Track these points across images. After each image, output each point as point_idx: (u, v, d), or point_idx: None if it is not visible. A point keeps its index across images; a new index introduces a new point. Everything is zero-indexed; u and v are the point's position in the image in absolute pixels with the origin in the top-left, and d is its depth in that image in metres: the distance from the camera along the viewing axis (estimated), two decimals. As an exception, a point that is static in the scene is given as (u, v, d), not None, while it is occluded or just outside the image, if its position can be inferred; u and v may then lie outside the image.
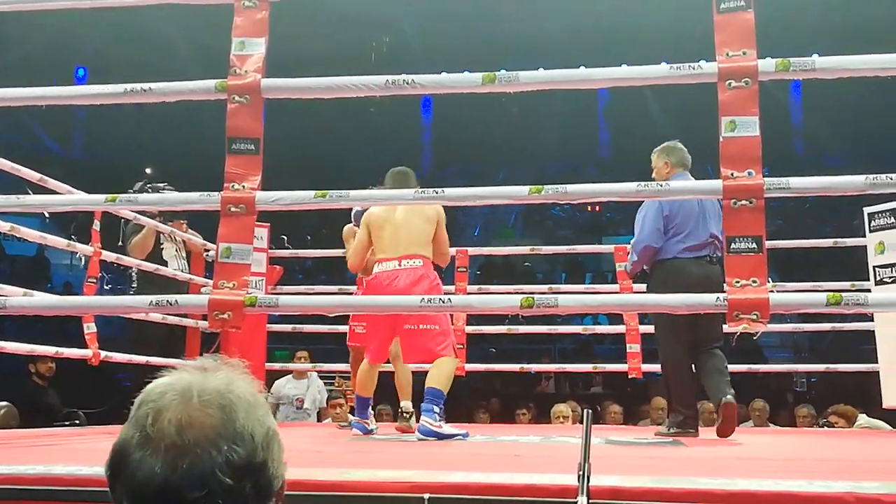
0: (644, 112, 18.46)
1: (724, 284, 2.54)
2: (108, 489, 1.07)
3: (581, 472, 2.07)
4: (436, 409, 4.15)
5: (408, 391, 4.74)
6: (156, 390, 1.09)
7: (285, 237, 7.07)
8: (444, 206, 4.32)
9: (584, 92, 19.42)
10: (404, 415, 4.74)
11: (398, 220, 4.39)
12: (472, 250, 6.75)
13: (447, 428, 4.21)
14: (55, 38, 14.77)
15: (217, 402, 1.07)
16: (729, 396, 4.40)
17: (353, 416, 4.87)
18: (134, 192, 5.57)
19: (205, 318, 5.64)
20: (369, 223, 4.50)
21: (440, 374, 4.25)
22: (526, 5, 15.45)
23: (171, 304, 2.69)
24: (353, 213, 5.19)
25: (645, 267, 4.68)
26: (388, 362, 4.79)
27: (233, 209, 2.69)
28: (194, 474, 1.01)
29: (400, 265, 4.29)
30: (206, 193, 2.76)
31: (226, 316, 2.59)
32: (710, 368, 4.56)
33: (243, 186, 2.71)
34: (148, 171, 16.63)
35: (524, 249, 7.78)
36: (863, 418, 6.40)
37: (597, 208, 19.92)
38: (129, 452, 1.04)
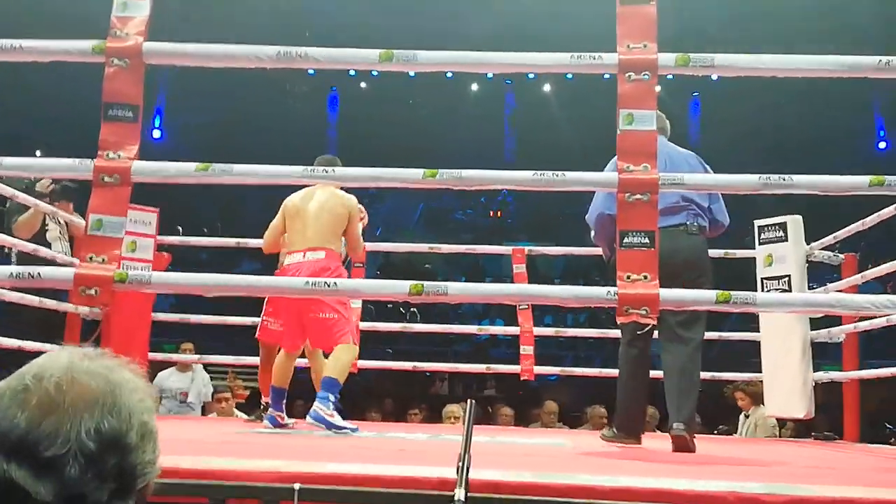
0: (549, 121, 18.69)
1: (617, 279, 2.50)
2: None
3: (461, 464, 1.99)
4: (331, 397, 4.13)
5: None
6: (41, 358, 1.06)
7: (181, 228, 6.83)
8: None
9: (491, 99, 19.59)
10: None
11: (308, 214, 4.51)
12: (371, 245, 6.61)
13: (338, 419, 4.14)
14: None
15: (104, 376, 1.05)
16: (677, 427, 3.55)
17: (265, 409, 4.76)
18: (29, 179, 5.32)
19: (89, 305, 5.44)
20: (285, 211, 4.63)
21: (336, 363, 4.24)
22: (450, 6, 15.46)
23: (32, 277, 2.49)
24: None
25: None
26: (303, 356, 4.79)
27: (106, 179, 2.52)
28: (58, 431, 0.97)
29: (304, 257, 4.39)
30: (77, 160, 2.57)
31: (93, 292, 2.41)
32: (670, 371, 3.69)
33: (119, 155, 2.54)
34: (38, 153, 15.94)
35: (423, 247, 7.71)
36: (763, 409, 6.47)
37: (499, 213, 20.08)
38: None
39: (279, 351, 4.67)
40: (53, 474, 0.97)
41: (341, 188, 4.60)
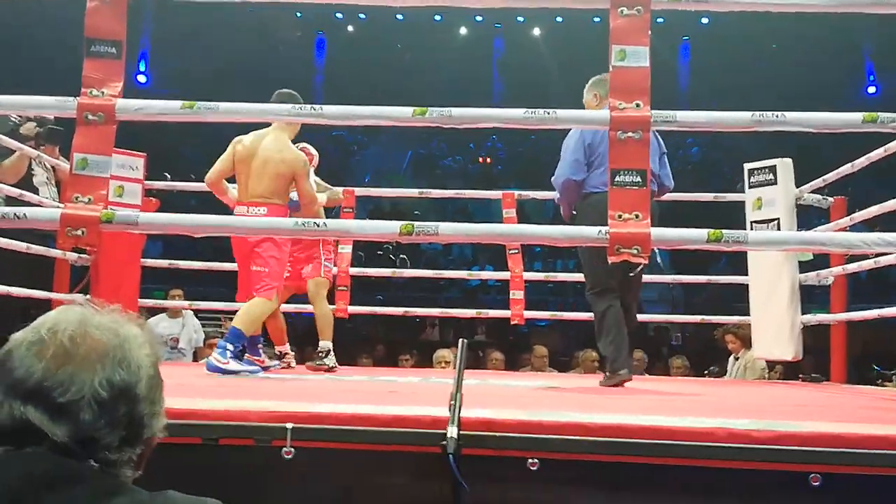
0: (537, 65, 18.53)
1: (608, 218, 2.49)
2: None
3: (453, 403, 2.00)
4: (230, 346, 4.15)
5: (327, 332, 4.98)
6: (53, 313, 1.14)
7: (168, 175, 6.76)
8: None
9: (479, 43, 19.38)
10: (319, 353, 4.95)
11: (254, 166, 4.46)
12: (360, 191, 6.58)
13: (234, 364, 4.14)
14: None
15: (114, 330, 1.12)
16: (625, 371, 4.00)
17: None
18: (13, 122, 5.24)
19: (77, 250, 5.40)
20: (234, 151, 4.55)
21: (245, 314, 4.30)
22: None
23: (18, 218, 2.46)
24: None
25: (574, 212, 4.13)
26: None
27: (90, 117, 2.47)
28: (73, 379, 1.05)
29: (247, 211, 4.36)
30: (61, 98, 2.53)
31: (79, 232, 2.38)
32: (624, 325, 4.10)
33: (102, 93, 2.49)
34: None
35: (412, 192, 7.67)
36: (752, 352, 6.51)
37: (488, 160, 20.01)
38: (16, 350, 1.08)
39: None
40: (68, 418, 1.05)
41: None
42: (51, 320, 1.11)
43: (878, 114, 2.50)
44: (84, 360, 1.07)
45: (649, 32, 2.56)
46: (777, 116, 2.47)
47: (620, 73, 2.52)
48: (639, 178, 2.46)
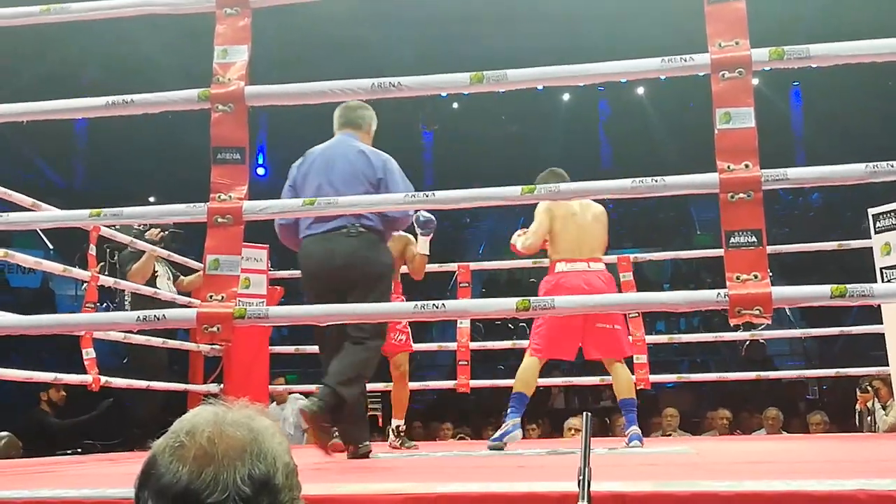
0: (643, 125, 18.44)
1: (726, 280, 2.46)
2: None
3: (581, 478, 1.99)
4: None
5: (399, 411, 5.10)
6: (188, 416, 1.19)
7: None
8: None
9: (584, 108, 19.43)
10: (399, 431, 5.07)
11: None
12: (474, 265, 6.68)
13: None
14: (53, 71, 14.76)
15: (247, 425, 1.17)
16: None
17: None
18: (137, 228, 5.59)
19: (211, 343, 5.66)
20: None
21: None
22: (505, 27, 15.49)
23: (158, 320, 2.62)
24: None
25: None
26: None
27: (220, 220, 2.63)
28: (217, 480, 1.09)
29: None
30: (192, 204, 2.70)
31: (215, 329, 2.52)
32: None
33: (230, 196, 2.65)
34: (151, 199, 16.65)
35: (526, 262, 7.69)
36: None
37: (601, 223, 19.84)
38: (160, 458, 1.13)
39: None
40: None
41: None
42: (187, 423, 1.16)
43: None
44: (224, 458, 1.11)
45: (752, 91, 2.56)
46: (893, 166, 2.42)
47: (726, 135, 2.52)
48: (754, 239, 2.44)
